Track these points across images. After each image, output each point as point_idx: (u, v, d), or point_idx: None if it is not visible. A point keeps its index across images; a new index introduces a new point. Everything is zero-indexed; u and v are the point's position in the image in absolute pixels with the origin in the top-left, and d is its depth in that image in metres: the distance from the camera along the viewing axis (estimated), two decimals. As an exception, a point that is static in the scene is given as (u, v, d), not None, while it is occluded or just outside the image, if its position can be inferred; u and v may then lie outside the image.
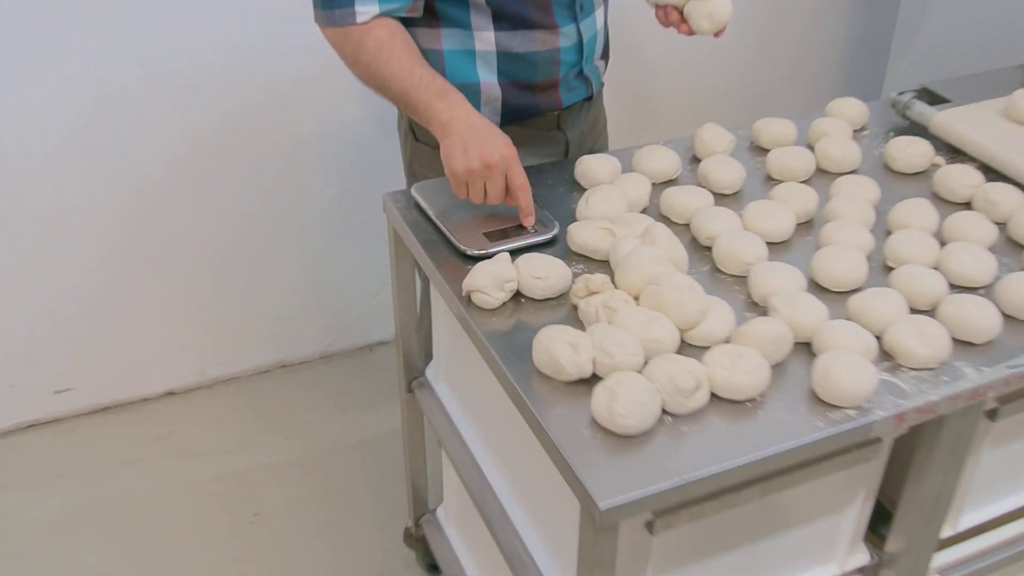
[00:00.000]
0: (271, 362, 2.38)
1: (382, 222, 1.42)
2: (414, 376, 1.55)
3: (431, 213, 1.32)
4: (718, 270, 1.23)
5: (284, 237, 2.24)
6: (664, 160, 1.43)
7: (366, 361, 2.43)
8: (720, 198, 1.38)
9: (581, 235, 1.25)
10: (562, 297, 1.18)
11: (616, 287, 1.14)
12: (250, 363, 2.36)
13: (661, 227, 1.21)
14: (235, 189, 2.13)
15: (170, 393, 2.30)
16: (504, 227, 1.29)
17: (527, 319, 1.14)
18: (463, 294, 1.17)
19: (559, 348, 1.02)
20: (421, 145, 1.52)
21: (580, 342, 1.02)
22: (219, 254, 2.20)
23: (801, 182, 1.40)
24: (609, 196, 1.32)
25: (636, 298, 1.12)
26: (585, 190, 1.36)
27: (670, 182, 1.43)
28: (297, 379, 2.38)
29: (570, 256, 1.25)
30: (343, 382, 2.36)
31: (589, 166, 1.40)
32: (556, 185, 1.43)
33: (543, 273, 1.17)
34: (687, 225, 1.31)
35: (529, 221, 1.27)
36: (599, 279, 1.14)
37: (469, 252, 1.25)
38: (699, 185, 1.40)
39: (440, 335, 1.45)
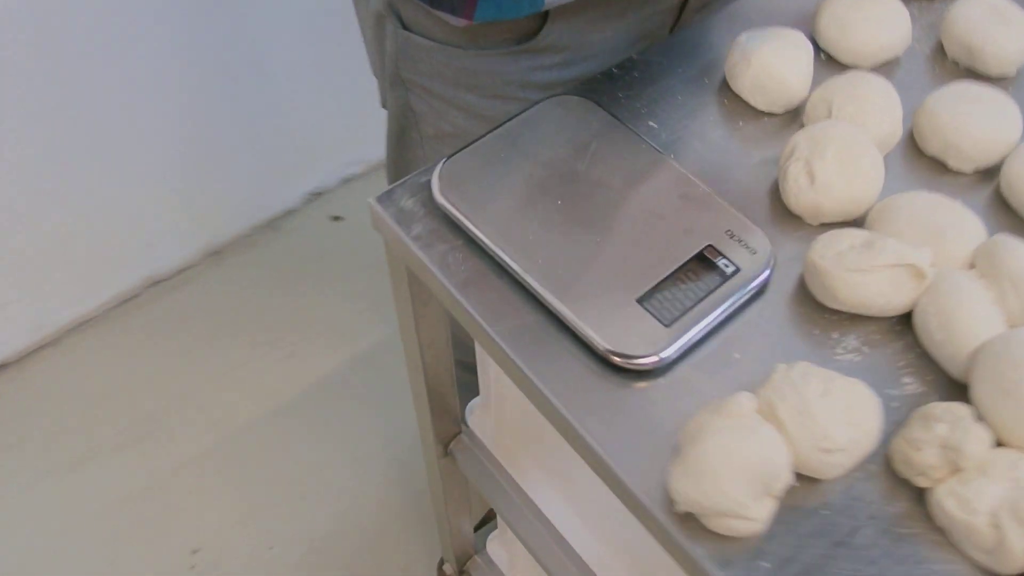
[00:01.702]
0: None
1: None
2: (452, 435, 0.92)
3: (494, 248, 0.63)
4: None
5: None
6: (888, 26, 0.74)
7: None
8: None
9: (841, 278, 0.59)
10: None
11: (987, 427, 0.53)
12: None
13: (1012, 241, 0.57)
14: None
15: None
16: (657, 263, 0.61)
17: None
18: (674, 510, 0.53)
19: None
20: (415, 37, 0.76)
21: None
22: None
23: None
24: (850, 153, 0.64)
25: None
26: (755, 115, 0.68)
27: (888, 65, 0.75)
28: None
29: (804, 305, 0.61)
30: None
31: (766, 65, 0.70)
32: (685, 101, 0.73)
33: (838, 435, 0.53)
34: None
35: None
36: (973, 440, 0.52)
37: (629, 362, 0.58)
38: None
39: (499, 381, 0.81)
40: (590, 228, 0.63)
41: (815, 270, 0.60)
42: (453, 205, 0.64)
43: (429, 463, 0.96)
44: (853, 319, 0.61)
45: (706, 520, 0.53)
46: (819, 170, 0.63)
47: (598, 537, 0.85)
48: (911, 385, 0.59)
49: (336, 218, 1.74)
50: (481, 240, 0.63)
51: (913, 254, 0.58)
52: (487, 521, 1.36)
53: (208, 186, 1.60)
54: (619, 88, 0.73)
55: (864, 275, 0.58)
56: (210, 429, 1.48)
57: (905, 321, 0.61)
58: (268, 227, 1.73)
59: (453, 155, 0.67)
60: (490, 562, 1.15)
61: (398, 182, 0.68)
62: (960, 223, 0.61)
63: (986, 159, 0.67)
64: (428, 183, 0.66)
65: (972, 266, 0.60)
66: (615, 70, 0.74)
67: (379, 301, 1.60)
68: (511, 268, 0.62)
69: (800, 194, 0.64)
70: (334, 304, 1.62)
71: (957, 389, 0.58)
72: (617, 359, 0.58)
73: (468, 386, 0.89)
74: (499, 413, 0.86)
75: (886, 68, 0.74)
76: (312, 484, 1.43)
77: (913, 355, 0.60)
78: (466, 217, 0.64)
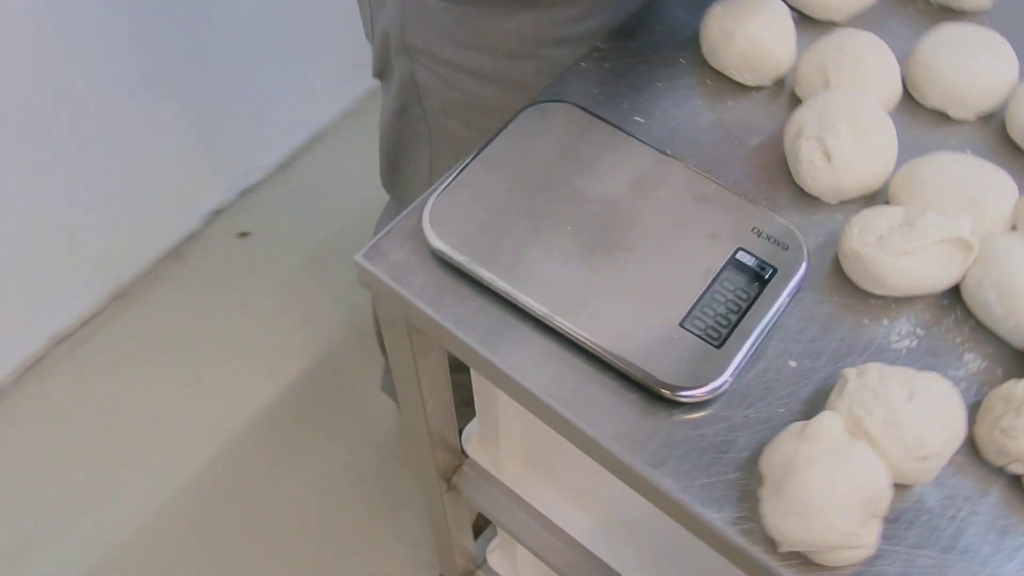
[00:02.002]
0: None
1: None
2: (454, 468, 0.86)
3: (514, 293, 0.57)
4: None
5: None
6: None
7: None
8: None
9: (888, 264, 0.56)
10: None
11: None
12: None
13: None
14: None
15: None
16: (690, 278, 0.57)
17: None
18: (778, 551, 0.49)
19: None
20: None
21: None
22: None
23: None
24: (863, 123, 0.60)
25: None
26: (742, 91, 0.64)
27: (865, 16, 0.71)
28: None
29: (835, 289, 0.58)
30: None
31: (752, 38, 0.65)
32: (667, 87, 0.68)
33: (932, 439, 0.50)
34: None
35: None
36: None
37: (690, 395, 0.53)
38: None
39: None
40: (610, 251, 0.58)
41: (857, 258, 0.56)
42: (455, 249, 0.58)
43: (432, 498, 0.90)
44: (899, 302, 0.58)
45: (814, 556, 0.49)
46: (834, 147, 0.59)
47: (626, 541, 0.81)
48: (973, 362, 0.56)
49: (243, 234, 1.63)
50: (495, 285, 0.57)
51: (959, 226, 0.55)
52: (481, 529, 1.31)
53: (98, 225, 1.46)
54: (593, 84, 0.67)
55: (911, 257, 0.55)
56: (159, 487, 1.37)
57: (952, 294, 0.58)
58: (171, 256, 1.60)
59: (440, 189, 0.60)
60: (493, 574, 1.11)
61: (382, 232, 0.60)
62: (992, 183, 0.58)
63: (988, 104, 0.64)
64: (419, 227, 0.59)
65: (1014, 227, 0.57)
66: (583, 64, 0.68)
67: (305, 318, 1.51)
68: (537, 313, 0.56)
69: (817, 175, 0.60)
70: (258, 329, 1.52)
71: (1021, 359, 0.56)
72: (683, 394, 0.53)
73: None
74: (506, 440, 0.80)
75: (863, 20, 0.70)
76: (282, 528, 1.35)
77: (967, 329, 0.57)
78: (472, 261, 0.57)
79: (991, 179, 0.58)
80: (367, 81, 1.24)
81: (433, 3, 0.69)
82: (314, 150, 1.70)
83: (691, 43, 0.69)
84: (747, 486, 0.51)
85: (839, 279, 0.59)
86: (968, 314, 0.57)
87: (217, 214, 1.64)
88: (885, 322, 0.57)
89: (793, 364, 0.56)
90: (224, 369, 1.48)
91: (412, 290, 0.58)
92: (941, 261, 0.55)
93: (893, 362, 0.55)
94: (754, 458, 0.52)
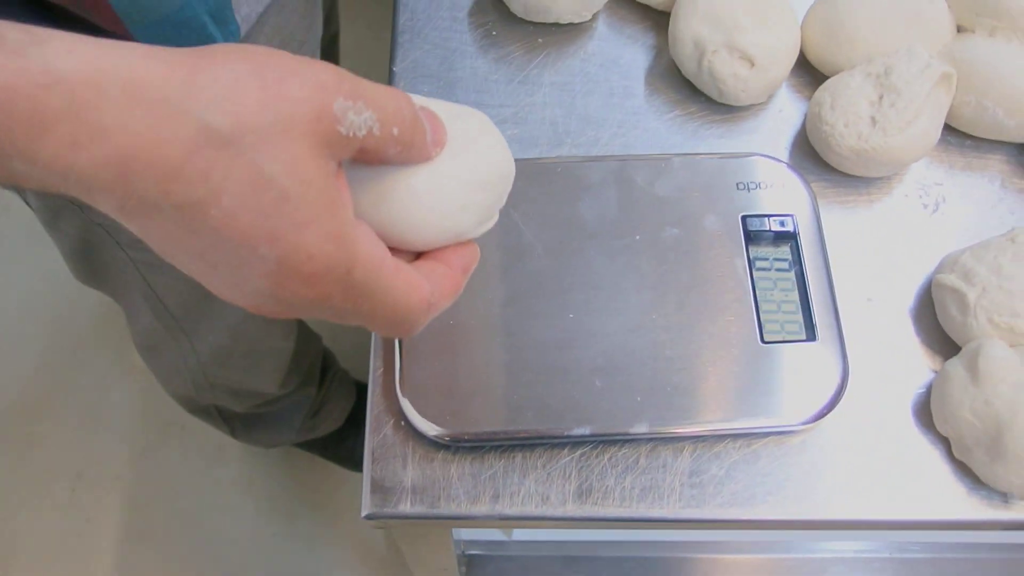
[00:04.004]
0: None
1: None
2: None
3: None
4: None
5: None
6: None
7: None
8: None
9: (898, 144, 0.48)
10: None
11: None
12: None
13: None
14: None
15: None
16: (729, 284, 0.47)
17: None
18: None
19: None
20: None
21: None
22: None
23: None
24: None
25: None
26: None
27: None
28: None
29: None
30: None
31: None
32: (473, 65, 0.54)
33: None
34: None
35: None
36: None
37: (827, 408, 0.45)
38: None
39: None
40: (639, 316, 0.45)
41: (863, 154, 0.48)
42: (471, 425, 0.43)
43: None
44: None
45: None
46: (753, 49, 0.49)
47: None
48: (1008, 181, 0.51)
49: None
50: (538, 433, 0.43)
51: (934, 64, 0.48)
52: None
53: None
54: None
55: (916, 122, 0.48)
56: None
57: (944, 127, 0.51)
58: None
59: (398, 376, 0.44)
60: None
61: (368, 469, 0.44)
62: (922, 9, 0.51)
63: None
64: (408, 429, 0.44)
65: (959, 27, 0.52)
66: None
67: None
68: (631, 435, 0.43)
69: (748, 86, 0.50)
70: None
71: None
72: (808, 423, 0.44)
73: None
74: None
75: None
76: None
77: (972, 154, 0.52)
78: (497, 429, 0.43)
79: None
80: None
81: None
82: None
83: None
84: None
85: (835, 176, 0.51)
86: (966, 137, 0.52)
87: None
88: (905, 195, 0.51)
89: (869, 299, 0.48)
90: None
91: (449, 509, 0.43)
92: (937, 105, 0.49)
93: (942, 234, 0.49)
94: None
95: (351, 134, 0.28)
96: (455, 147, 0.32)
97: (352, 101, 0.28)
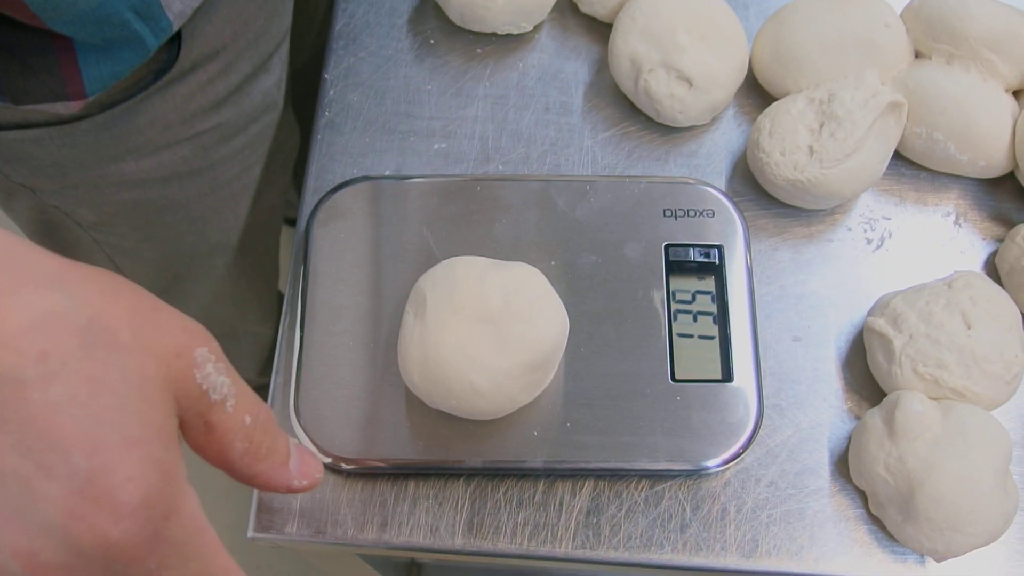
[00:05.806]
0: None
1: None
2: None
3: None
4: None
5: None
6: None
7: None
8: None
9: (836, 176, 0.45)
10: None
11: None
12: None
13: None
14: None
15: None
16: (646, 315, 0.45)
17: None
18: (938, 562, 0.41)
19: None
20: (8, 134, 0.49)
21: None
22: None
23: None
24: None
25: None
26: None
27: None
28: None
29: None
30: None
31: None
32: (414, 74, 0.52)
33: (1010, 351, 0.42)
34: None
35: None
36: None
37: (742, 451, 0.43)
38: None
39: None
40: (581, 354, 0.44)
41: (798, 185, 0.45)
42: (362, 452, 0.42)
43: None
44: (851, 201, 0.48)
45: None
46: (690, 68, 0.47)
47: None
48: (955, 218, 0.48)
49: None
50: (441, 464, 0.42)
51: (883, 91, 0.45)
52: None
53: None
54: (337, 133, 0.50)
55: (857, 154, 0.45)
56: None
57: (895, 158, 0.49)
58: None
59: (292, 400, 0.43)
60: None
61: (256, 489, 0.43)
62: (871, 7, 0.48)
63: None
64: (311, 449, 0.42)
65: (917, 54, 0.48)
66: (324, 132, 0.50)
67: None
68: (524, 469, 0.42)
69: (686, 107, 0.48)
70: None
71: (992, 192, 0.48)
72: (718, 465, 0.42)
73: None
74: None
75: None
76: None
77: (925, 184, 0.49)
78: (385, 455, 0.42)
79: (868, 6, 0.48)
80: None
81: (28, 135, 0.48)
82: None
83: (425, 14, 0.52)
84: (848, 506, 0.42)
85: (776, 206, 0.48)
86: (921, 169, 0.49)
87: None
88: (848, 228, 0.48)
89: (797, 338, 0.46)
90: None
91: (336, 532, 0.42)
92: (883, 137, 0.46)
93: (883, 273, 0.47)
94: (827, 473, 0.42)
95: (205, 388, 0.26)
96: (512, 331, 0.38)
97: (216, 358, 0.26)
